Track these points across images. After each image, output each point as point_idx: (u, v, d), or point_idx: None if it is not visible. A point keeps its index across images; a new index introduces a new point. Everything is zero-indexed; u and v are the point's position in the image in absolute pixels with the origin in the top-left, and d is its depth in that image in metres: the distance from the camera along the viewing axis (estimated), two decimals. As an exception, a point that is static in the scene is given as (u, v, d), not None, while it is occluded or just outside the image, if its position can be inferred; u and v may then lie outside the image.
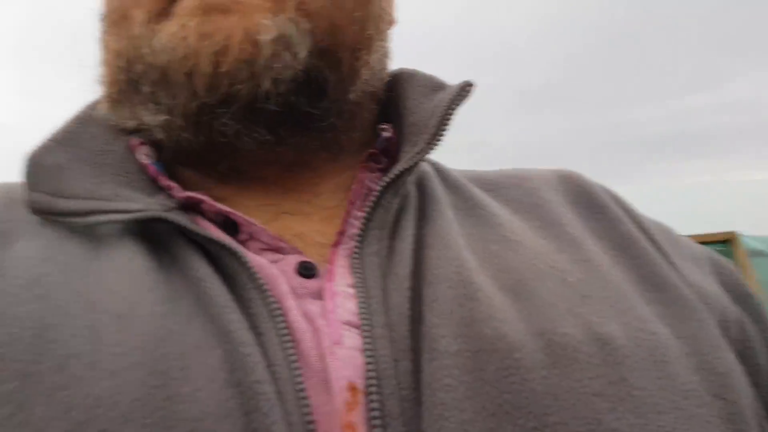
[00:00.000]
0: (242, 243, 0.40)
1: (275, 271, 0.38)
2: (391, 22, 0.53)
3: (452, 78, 0.49)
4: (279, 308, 0.36)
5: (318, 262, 0.40)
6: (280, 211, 0.45)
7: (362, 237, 0.41)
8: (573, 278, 0.40)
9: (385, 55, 0.50)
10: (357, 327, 0.37)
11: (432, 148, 0.43)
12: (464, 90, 0.46)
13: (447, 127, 0.44)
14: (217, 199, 0.42)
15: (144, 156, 0.46)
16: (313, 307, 0.38)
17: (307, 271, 0.40)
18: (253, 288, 0.36)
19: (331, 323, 0.37)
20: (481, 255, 0.40)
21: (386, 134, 0.47)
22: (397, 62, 0.51)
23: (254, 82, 0.41)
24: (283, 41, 0.42)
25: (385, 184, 0.41)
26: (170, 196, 0.42)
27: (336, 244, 0.42)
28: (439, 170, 0.51)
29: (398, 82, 0.52)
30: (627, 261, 0.43)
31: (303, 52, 0.42)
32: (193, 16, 0.41)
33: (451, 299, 0.36)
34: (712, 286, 0.43)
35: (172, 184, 0.43)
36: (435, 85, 0.50)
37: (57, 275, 0.39)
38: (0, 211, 0.45)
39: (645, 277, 0.41)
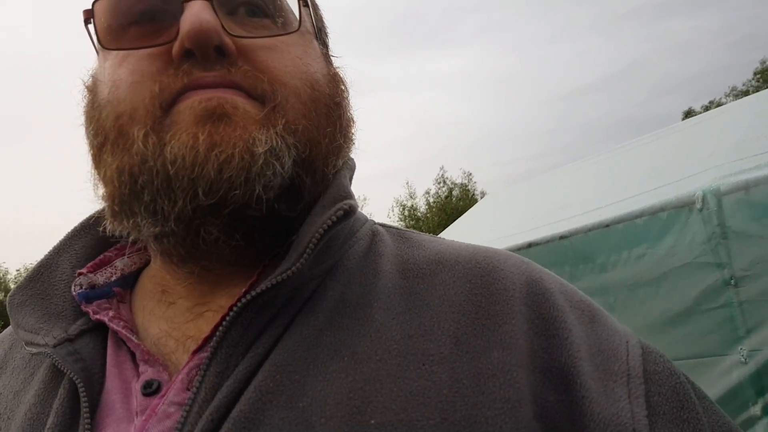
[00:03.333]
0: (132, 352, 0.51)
1: (115, 398, 0.49)
2: (352, 124, 0.60)
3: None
4: None
5: (177, 368, 0.49)
6: (204, 310, 0.53)
7: (213, 352, 0.46)
8: (375, 420, 0.42)
9: (347, 153, 0.59)
10: None
11: (299, 268, 0.48)
12: (336, 212, 0.52)
13: (312, 247, 0.49)
14: (166, 293, 0.55)
15: (76, 287, 0.57)
16: (129, 428, 0.46)
17: (148, 388, 0.48)
18: (85, 422, 0.47)
19: None
20: (301, 381, 0.45)
21: (294, 237, 0.53)
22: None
23: (248, 187, 0.46)
24: (273, 153, 0.47)
25: (243, 303, 0.46)
26: (88, 320, 0.54)
27: (196, 350, 0.49)
28: (380, 245, 0.58)
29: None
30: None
31: (288, 163, 0.48)
32: (198, 124, 0.46)
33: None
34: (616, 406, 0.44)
35: (90, 309, 0.55)
36: (335, 199, 0.54)
37: (4, 401, 0.53)
38: (6, 348, 0.60)
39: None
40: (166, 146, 0.45)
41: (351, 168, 0.62)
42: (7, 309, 0.58)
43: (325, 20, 0.66)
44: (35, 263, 0.60)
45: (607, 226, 3.03)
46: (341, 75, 0.61)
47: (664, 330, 2.63)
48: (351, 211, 0.54)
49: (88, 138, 0.52)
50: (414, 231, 0.64)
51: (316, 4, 0.64)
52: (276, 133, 0.48)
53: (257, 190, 0.46)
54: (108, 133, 0.49)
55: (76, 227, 0.64)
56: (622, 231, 2.95)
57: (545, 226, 3.46)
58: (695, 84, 70.10)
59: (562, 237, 3.17)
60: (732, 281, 2.49)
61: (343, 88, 0.60)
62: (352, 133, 0.60)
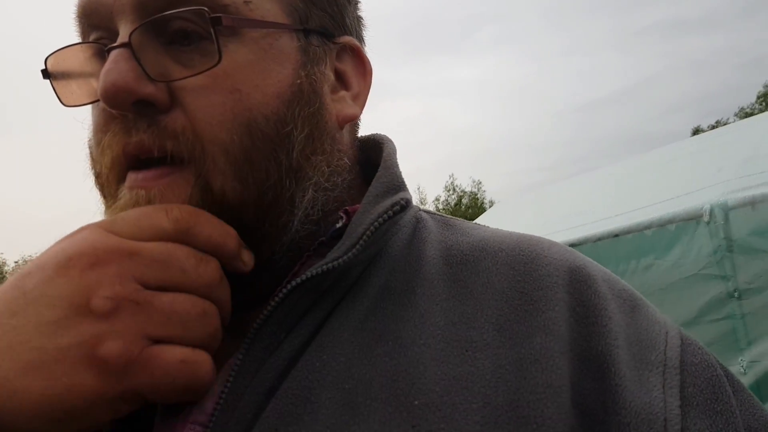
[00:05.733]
0: None
1: None
2: (334, 134, 0.56)
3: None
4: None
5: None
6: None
7: (258, 329, 0.47)
8: (419, 401, 0.43)
9: (335, 169, 0.55)
10: (204, 426, 0.45)
11: (350, 258, 0.49)
12: (392, 207, 0.53)
13: (367, 239, 0.50)
14: None
15: None
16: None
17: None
18: None
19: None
20: (347, 363, 0.46)
21: (338, 225, 0.53)
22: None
23: None
24: None
25: (294, 285, 0.47)
26: None
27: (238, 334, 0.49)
28: (424, 231, 0.58)
29: (376, 167, 0.58)
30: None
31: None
32: None
33: (276, 417, 0.44)
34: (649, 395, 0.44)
35: None
36: (389, 189, 0.56)
37: None
38: None
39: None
40: None
41: (394, 152, 0.61)
42: None
43: None
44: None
45: (616, 236, 3.09)
46: (315, 75, 0.53)
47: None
48: (407, 206, 0.55)
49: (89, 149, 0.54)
50: (458, 218, 0.64)
51: None
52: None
53: None
54: (96, 179, 0.52)
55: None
56: (631, 241, 3.02)
57: (554, 234, 3.52)
58: (704, 103, 69.79)
59: (572, 245, 3.24)
60: (736, 294, 2.56)
61: (310, 93, 0.53)
62: (325, 139, 0.55)
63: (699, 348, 0.50)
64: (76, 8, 0.51)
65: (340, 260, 0.48)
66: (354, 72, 0.58)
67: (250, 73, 0.48)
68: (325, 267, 0.48)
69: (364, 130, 0.63)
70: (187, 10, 0.46)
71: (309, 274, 0.47)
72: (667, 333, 0.49)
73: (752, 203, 2.55)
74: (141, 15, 0.47)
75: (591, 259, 0.56)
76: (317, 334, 0.48)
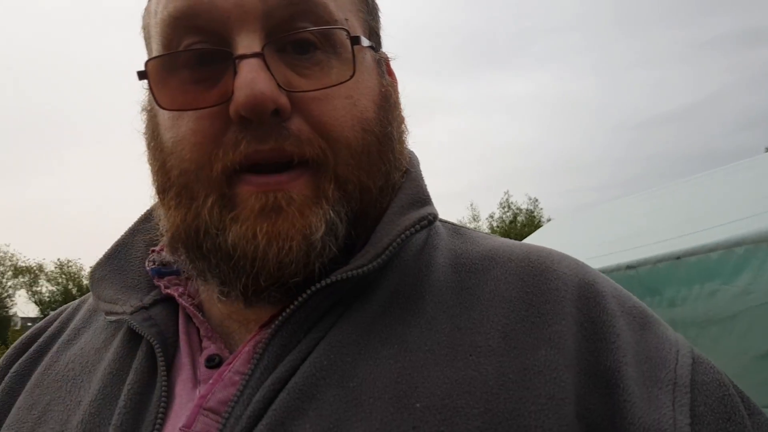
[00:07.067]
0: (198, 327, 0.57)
1: (185, 361, 0.55)
2: (405, 131, 0.61)
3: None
4: (165, 394, 0.52)
5: (237, 345, 0.54)
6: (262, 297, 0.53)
7: (278, 328, 0.50)
8: (420, 404, 0.44)
9: (401, 172, 0.60)
10: (218, 414, 0.48)
11: (374, 267, 0.51)
12: (420, 221, 0.55)
13: (392, 250, 0.52)
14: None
15: (149, 263, 0.64)
16: (195, 393, 0.51)
17: (211, 362, 0.53)
18: (162, 379, 0.53)
19: (193, 409, 0.49)
20: (353, 363, 0.48)
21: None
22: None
23: (307, 269, 0.50)
24: (329, 231, 0.50)
25: (315, 290, 0.50)
26: (160, 292, 0.61)
27: (263, 326, 0.53)
28: (436, 238, 0.59)
29: (401, 180, 0.60)
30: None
31: (343, 230, 0.51)
32: (257, 219, 0.49)
33: (284, 411, 0.46)
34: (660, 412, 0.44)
35: (161, 284, 0.61)
36: (415, 201, 0.58)
37: (81, 365, 0.60)
38: (83, 315, 0.69)
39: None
40: (228, 231, 0.50)
41: (418, 163, 0.64)
42: (89, 283, 0.66)
43: (377, 7, 0.63)
44: (112, 243, 0.68)
45: (678, 258, 2.89)
46: (390, 83, 0.61)
47: (740, 373, 2.47)
48: (433, 222, 0.57)
49: (150, 166, 0.56)
50: (469, 228, 0.66)
51: None
52: (331, 207, 0.51)
53: (315, 269, 0.51)
54: (173, 181, 0.53)
55: (148, 211, 0.70)
56: (695, 264, 2.81)
57: (611, 254, 3.34)
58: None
59: (629, 267, 3.06)
60: (815, 325, 2.33)
61: (394, 100, 0.60)
62: (405, 139, 0.61)
63: (711, 367, 0.50)
64: (170, 9, 0.52)
65: (364, 268, 0.51)
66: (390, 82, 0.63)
67: (356, 83, 0.54)
68: (349, 273, 0.50)
69: (415, 145, 0.67)
70: (332, 28, 0.52)
71: (333, 278, 0.50)
72: (678, 351, 0.49)
73: (833, 225, 2.31)
74: (266, 25, 0.51)
75: (603, 275, 0.56)
76: (327, 333, 0.50)
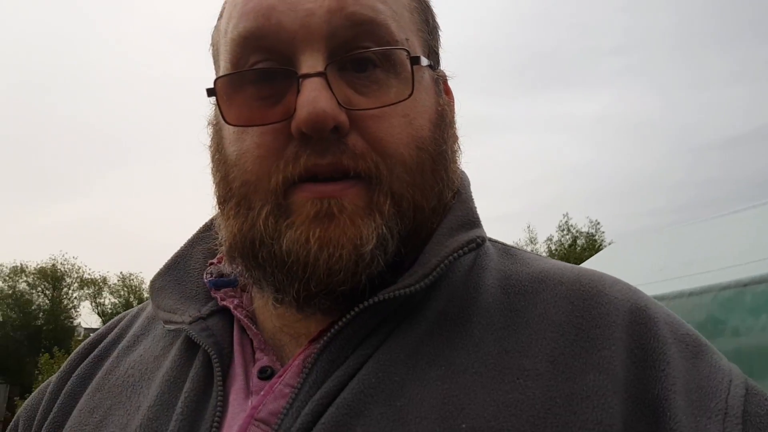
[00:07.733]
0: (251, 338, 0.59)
1: (239, 371, 0.57)
2: (458, 149, 0.62)
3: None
4: (221, 403, 0.53)
5: (289, 358, 0.56)
6: (314, 312, 0.55)
7: (327, 344, 0.52)
8: (466, 425, 0.45)
9: (452, 188, 0.60)
10: (268, 425, 0.50)
11: (422, 287, 0.52)
12: (469, 244, 0.55)
13: (440, 271, 0.53)
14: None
15: (207, 275, 0.66)
16: (247, 403, 0.53)
17: (263, 374, 0.55)
18: (218, 388, 0.54)
19: (245, 419, 0.51)
20: (401, 383, 0.49)
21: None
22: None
23: (355, 279, 0.52)
24: (379, 245, 0.52)
25: (363, 307, 0.52)
26: (216, 303, 0.63)
27: (312, 340, 0.55)
28: (485, 259, 0.59)
29: (451, 201, 0.60)
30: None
31: (392, 247, 0.53)
32: (311, 224, 0.51)
33: (333, 424, 0.47)
34: None
35: (218, 295, 0.63)
36: (464, 223, 0.58)
37: (141, 371, 0.63)
38: (141, 322, 0.71)
39: None
40: (282, 237, 0.52)
41: (469, 184, 0.65)
42: (149, 292, 0.69)
43: (437, 26, 0.64)
44: (172, 254, 0.71)
45: (745, 285, 2.78)
46: (447, 102, 0.62)
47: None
48: (482, 244, 0.57)
49: (213, 178, 0.60)
50: (519, 248, 0.65)
51: (428, 7, 0.63)
52: (383, 221, 0.52)
53: (362, 279, 0.52)
54: (234, 191, 0.55)
55: (207, 222, 0.73)
56: (762, 293, 2.70)
57: (673, 280, 3.24)
58: None
59: (692, 294, 2.96)
60: None
61: (449, 119, 0.61)
62: (458, 158, 0.62)
63: (766, 399, 0.48)
64: (239, 30, 0.55)
65: (411, 288, 0.52)
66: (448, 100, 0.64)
67: (413, 102, 0.55)
68: (396, 293, 0.51)
69: (471, 165, 0.69)
70: (394, 48, 0.54)
71: (380, 297, 0.51)
72: (731, 381, 0.48)
73: None
74: (329, 45, 0.53)
75: (656, 301, 0.55)
76: (376, 351, 0.51)
